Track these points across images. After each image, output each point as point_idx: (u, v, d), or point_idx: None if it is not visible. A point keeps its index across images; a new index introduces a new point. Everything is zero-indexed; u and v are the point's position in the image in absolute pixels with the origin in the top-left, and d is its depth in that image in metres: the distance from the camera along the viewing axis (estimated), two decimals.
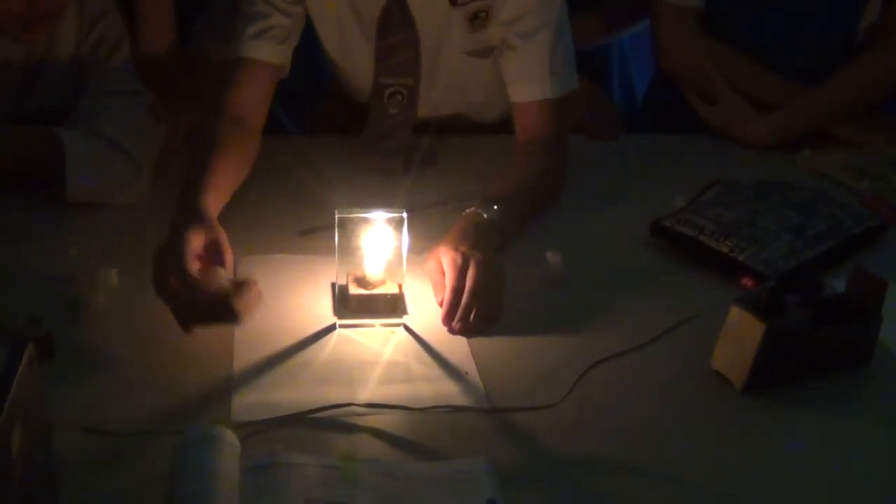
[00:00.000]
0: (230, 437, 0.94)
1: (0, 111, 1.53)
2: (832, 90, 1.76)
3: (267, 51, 1.51)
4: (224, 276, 1.16)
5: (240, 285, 1.15)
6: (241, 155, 1.44)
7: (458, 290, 1.22)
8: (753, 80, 1.82)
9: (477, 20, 1.57)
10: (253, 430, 1.02)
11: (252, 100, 1.51)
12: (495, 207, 1.36)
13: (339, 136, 1.72)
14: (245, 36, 1.51)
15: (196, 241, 1.16)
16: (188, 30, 1.76)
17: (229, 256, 1.20)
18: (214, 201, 1.28)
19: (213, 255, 1.19)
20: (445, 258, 1.26)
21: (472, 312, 1.22)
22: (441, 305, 1.24)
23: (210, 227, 1.20)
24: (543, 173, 1.54)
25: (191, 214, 1.22)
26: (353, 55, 1.66)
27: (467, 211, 1.36)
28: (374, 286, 1.23)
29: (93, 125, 1.46)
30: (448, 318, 1.22)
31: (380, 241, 1.22)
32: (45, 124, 1.47)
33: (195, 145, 1.44)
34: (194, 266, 1.14)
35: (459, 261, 1.24)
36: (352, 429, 1.05)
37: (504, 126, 1.71)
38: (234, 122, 1.47)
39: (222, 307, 1.13)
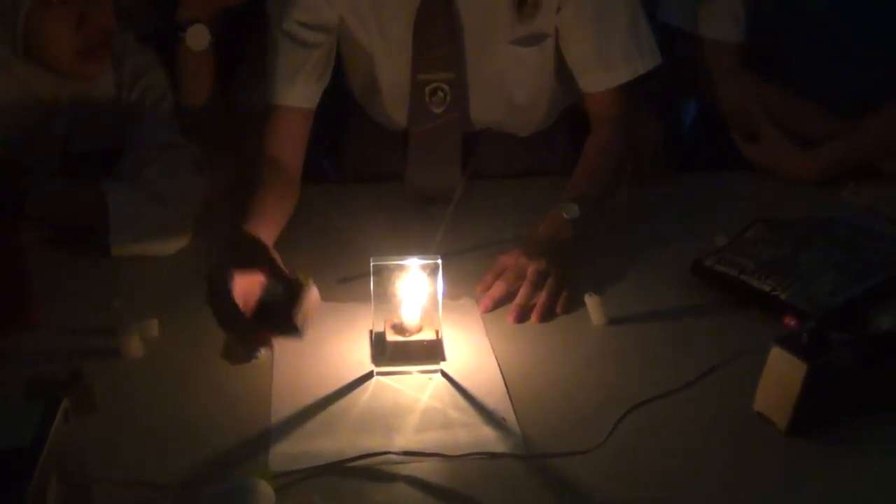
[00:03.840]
0: (264, 489, 0.94)
1: (50, 155, 1.57)
2: (876, 124, 1.73)
3: (296, 96, 1.54)
4: (276, 286, 1.19)
5: (296, 296, 1.17)
6: (284, 198, 1.48)
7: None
8: (798, 115, 1.80)
9: (525, 8, 1.56)
10: (290, 480, 1.03)
11: (288, 145, 1.55)
12: (576, 207, 1.46)
13: (375, 182, 1.74)
14: (276, 81, 1.54)
15: (239, 277, 1.18)
16: (230, 82, 1.79)
17: (280, 266, 1.21)
18: (264, 233, 1.30)
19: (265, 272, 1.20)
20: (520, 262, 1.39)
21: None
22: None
23: (257, 245, 1.22)
24: (613, 149, 1.62)
25: (236, 242, 1.24)
26: (382, 66, 1.65)
27: (552, 212, 1.47)
28: (411, 333, 1.23)
29: (136, 179, 1.49)
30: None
31: (415, 287, 1.23)
32: (93, 168, 1.52)
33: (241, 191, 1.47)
34: (240, 300, 1.16)
35: (534, 278, 1.36)
36: (388, 477, 1.05)
37: (536, 163, 1.76)
38: (275, 167, 1.50)
39: (281, 324, 1.16)
